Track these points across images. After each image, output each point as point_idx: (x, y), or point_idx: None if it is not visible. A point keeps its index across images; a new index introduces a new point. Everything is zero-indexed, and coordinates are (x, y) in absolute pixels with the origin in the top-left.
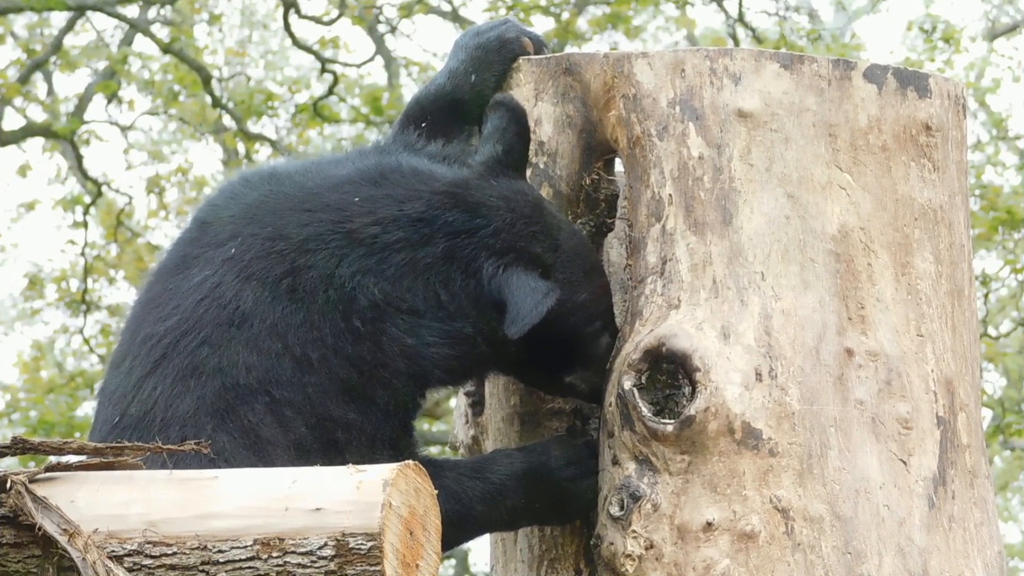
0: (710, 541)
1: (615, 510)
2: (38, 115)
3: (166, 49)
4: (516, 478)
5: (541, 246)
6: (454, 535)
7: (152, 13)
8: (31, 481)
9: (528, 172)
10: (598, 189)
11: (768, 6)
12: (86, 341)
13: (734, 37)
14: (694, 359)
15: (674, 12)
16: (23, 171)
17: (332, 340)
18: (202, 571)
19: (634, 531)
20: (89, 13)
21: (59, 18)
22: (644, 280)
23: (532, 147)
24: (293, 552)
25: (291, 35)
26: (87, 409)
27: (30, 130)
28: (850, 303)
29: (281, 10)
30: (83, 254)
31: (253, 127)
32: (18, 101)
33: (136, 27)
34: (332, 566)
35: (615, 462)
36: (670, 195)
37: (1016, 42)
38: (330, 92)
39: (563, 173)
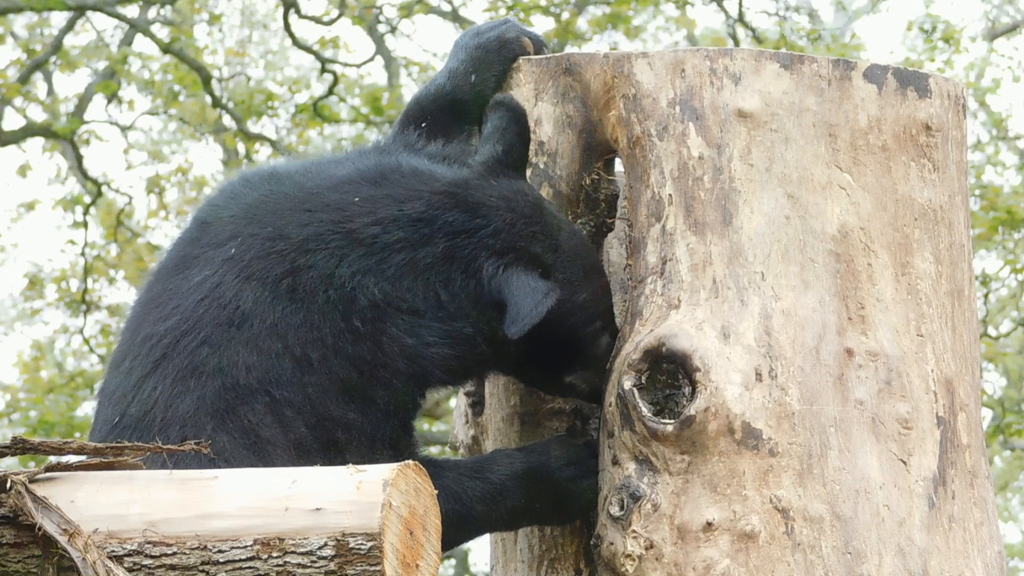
0: (710, 541)
1: (615, 510)
2: (38, 115)
3: (166, 49)
4: (516, 478)
5: (541, 246)
6: (454, 535)
7: (152, 13)
8: (31, 481)
9: (528, 172)
10: (598, 189)
11: (768, 6)
12: (86, 341)
13: (734, 37)
14: (694, 359)
15: (674, 12)
16: (23, 171)
17: (332, 340)
18: (202, 571)
19: (634, 531)
20: (89, 13)
21: (59, 18)
22: (644, 280)
23: (532, 147)
24: (293, 552)
25: (291, 35)
26: (87, 409)
27: (30, 130)
28: (850, 303)
29: (281, 10)
30: (83, 254)
31: (253, 127)
32: (18, 101)
33: (136, 27)
34: (332, 566)
35: (615, 462)
36: (670, 195)
37: (1016, 42)
38: (330, 92)
39: (563, 173)
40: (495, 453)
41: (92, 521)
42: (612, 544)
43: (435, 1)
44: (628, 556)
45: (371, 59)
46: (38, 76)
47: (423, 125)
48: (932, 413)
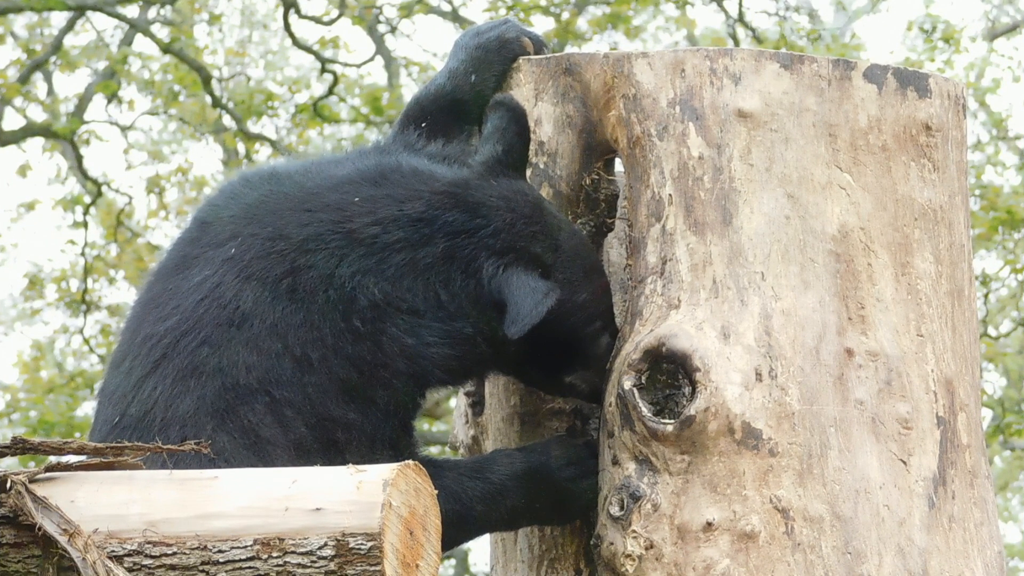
0: (710, 541)
1: (615, 510)
2: (38, 115)
3: (166, 49)
4: (516, 478)
5: (541, 246)
6: (454, 535)
7: (152, 13)
8: (31, 481)
9: (528, 172)
10: (598, 189)
11: (768, 6)
12: (86, 341)
13: (734, 37)
14: (694, 359)
15: (674, 12)
16: (23, 171)
17: (332, 340)
18: (202, 571)
19: (634, 531)
20: (89, 13)
21: (59, 18)
22: (644, 280)
23: (532, 147)
24: (293, 552)
25: (291, 35)
26: (87, 409)
27: (30, 130)
28: (850, 303)
29: (281, 10)
30: (83, 254)
31: (253, 127)
32: (18, 101)
33: (136, 27)
34: (332, 566)
35: (615, 462)
36: (670, 195)
37: (1016, 42)
38: (330, 92)
39: (563, 173)
40: (495, 453)
41: (92, 521)
42: (612, 544)
43: (435, 1)
44: (628, 556)
45: (371, 59)
46: (38, 76)
47: (423, 125)
48: (932, 413)
